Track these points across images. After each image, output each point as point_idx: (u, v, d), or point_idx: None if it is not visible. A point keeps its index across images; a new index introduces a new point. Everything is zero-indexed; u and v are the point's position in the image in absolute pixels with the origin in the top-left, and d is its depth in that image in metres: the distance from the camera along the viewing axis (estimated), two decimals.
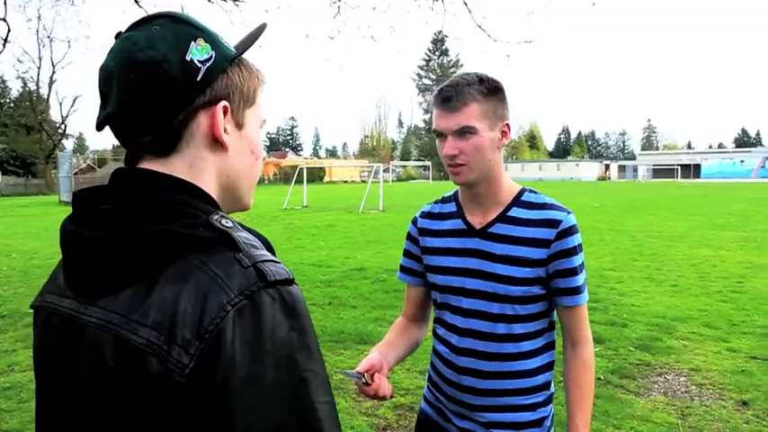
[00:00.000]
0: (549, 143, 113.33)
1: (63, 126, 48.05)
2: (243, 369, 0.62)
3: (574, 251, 1.47)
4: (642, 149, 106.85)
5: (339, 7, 7.33)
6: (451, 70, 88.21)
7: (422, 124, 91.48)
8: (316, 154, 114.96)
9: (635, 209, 20.83)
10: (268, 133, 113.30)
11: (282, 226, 16.01)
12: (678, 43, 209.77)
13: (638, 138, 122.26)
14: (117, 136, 0.78)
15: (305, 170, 26.04)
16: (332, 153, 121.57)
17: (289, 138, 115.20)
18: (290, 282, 0.69)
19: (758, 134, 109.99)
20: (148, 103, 0.73)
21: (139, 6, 7.13)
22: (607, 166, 77.92)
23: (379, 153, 79.59)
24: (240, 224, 0.75)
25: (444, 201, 1.65)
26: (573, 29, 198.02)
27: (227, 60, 0.78)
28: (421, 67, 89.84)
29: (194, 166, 0.77)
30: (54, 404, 0.77)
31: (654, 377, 4.52)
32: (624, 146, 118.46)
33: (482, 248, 1.51)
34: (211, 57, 0.75)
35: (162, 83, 0.72)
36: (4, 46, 8.73)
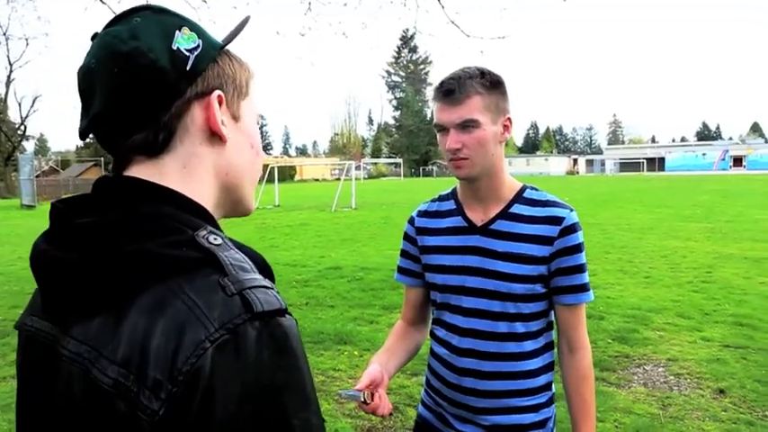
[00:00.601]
0: (518, 138, 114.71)
1: (23, 127, 46.62)
2: (220, 418, 0.54)
3: (578, 248, 1.45)
4: (609, 144, 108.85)
5: (310, 3, 7.23)
6: (421, 67, 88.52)
7: (392, 121, 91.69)
8: (286, 152, 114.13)
9: (604, 202, 21.19)
10: None
11: (255, 226, 15.80)
12: (642, 40, 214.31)
13: (604, 132, 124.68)
14: (103, 142, 0.70)
15: (276, 169, 25.80)
16: (302, 151, 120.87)
17: None
18: (282, 312, 0.60)
19: (718, 128, 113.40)
20: (136, 97, 0.66)
21: (102, 2, 6.90)
22: (575, 161, 79.20)
23: (350, 151, 79.46)
24: (232, 240, 0.67)
25: (442, 198, 1.61)
26: (542, 25, 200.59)
27: (216, 49, 0.72)
28: (390, 64, 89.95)
29: (189, 165, 0.70)
30: (33, 427, 0.70)
31: (633, 368, 4.56)
32: (591, 140, 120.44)
33: (483, 245, 1.47)
34: (199, 45, 0.69)
35: (149, 74, 0.65)
36: None
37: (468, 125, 1.38)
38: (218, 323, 0.56)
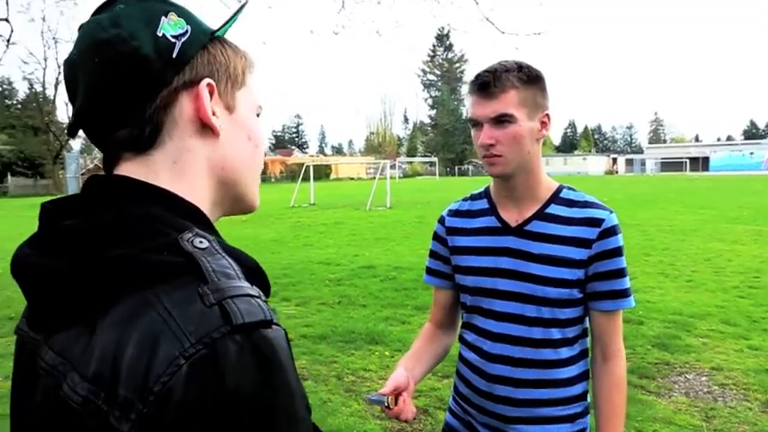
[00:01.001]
0: (556, 137, 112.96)
1: None
2: None
3: (618, 251, 1.38)
4: (650, 143, 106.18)
5: (344, 2, 7.21)
6: (456, 65, 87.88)
7: (427, 120, 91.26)
8: (321, 151, 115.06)
9: (644, 203, 20.61)
10: (273, 131, 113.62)
11: (290, 224, 15.93)
12: (685, 36, 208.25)
13: (645, 131, 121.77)
14: (92, 138, 0.66)
15: (311, 168, 25.98)
16: (338, 150, 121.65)
17: (294, 135, 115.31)
18: (268, 324, 0.54)
19: (767, 126, 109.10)
20: (119, 88, 0.62)
21: None
22: (614, 160, 77.47)
23: (385, 150, 79.48)
24: (221, 243, 0.61)
25: (474, 198, 1.55)
26: (580, 22, 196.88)
27: (206, 35, 0.67)
28: (426, 63, 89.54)
29: (179, 160, 0.65)
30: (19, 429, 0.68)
31: (674, 377, 4.39)
32: (631, 139, 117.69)
33: (517, 247, 1.41)
34: (187, 31, 0.65)
35: (132, 62, 0.61)
36: (7, 47, 8.69)
37: (502, 120, 1.32)
38: (194, 337, 0.50)
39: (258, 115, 0.75)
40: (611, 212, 1.40)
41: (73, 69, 0.64)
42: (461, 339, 1.56)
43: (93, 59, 0.62)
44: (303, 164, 31.82)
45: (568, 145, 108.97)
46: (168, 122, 0.64)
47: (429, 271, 1.63)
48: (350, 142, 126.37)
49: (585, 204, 1.40)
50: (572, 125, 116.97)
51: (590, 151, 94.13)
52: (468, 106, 1.39)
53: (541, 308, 1.39)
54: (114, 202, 0.61)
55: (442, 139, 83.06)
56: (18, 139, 46.27)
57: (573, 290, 1.38)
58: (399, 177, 58.24)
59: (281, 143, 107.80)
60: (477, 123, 1.37)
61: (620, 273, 1.38)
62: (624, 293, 1.40)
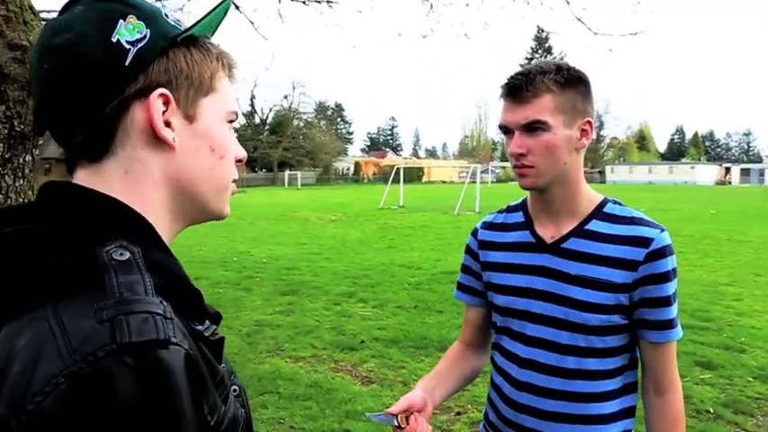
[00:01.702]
0: (662, 144, 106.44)
1: None
2: None
3: (667, 276, 1.22)
4: None
5: (432, 5, 7.14)
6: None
7: None
8: (415, 154, 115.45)
9: (759, 217, 18.84)
10: (368, 133, 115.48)
11: (377, 226, 16.08)
12: None
13: (765, 138, 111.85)
14: (55, 140, 0.65)
15: (401, 170, 26.09)
16: (431, 153, 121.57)
17: (389, 138, 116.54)
18: (163, 344, 0.50)
19: None
20: (68, 95, 0.60)
21: (237, 8, 7.31)
22: (727, 170, 71.64)
23: (479, 153, 78.45)
24: (147, 257, 0.57)
25: (510, 210, 1.44)
26: (687, 18, 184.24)
27: (167, 40, 0.63)
28: (522, 65, 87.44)
29: (131, 170, 0.63)
30: None
31: None
32: (749, 147, 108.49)
33: (553, 266, 1.28)
34: (145, 36, 0.61)
35: (81, 69, 0.59)
36: None
37: (534, 127, 1.20)
38: (78, 355, 0.47)
39: (232, 122, 0.71)
40: (663, 231, 1.24)
41: (30, 73, 0.64)
42: (492, 362, 1.45)
43: (43, 65, 0.61)
44: (393, 166, 32.05)
45: (675, 152, 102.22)
46: (120, 132, 0.62)
47: (460, 286, 1.53)
48: (444, 145, 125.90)
49: (632, 221, 1.25)
50: (680, 131, 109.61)
51: (699, 159, 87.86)
52: (500, 112, 1.28)
53: (576, 335, 1.25)
54: (57, 210, 0.60)
55: None
56: None
57: (613, 316, 1.24)
58: (492, 182, 57.29)
59: (375, 145, 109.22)
60: (508, 131, 1.26)
61: (667, 300, 1.23)
62: (670, 324, 1.24)
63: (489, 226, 1.45)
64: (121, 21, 0.61)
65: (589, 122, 1.25)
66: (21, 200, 2.22)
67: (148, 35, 0.62)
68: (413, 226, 15.87)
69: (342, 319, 6.20)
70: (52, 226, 0.57)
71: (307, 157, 60.92)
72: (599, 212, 1.29)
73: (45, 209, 0.61)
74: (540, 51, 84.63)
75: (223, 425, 0.57)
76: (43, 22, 2.26)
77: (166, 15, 0.66)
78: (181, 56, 0.65)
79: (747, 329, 5.80)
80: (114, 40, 0.60)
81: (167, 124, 0.63)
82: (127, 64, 0.60)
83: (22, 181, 2.22)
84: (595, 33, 5.91)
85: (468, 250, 1.49)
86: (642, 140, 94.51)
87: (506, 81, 1.25)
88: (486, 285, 1.43)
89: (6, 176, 2.17)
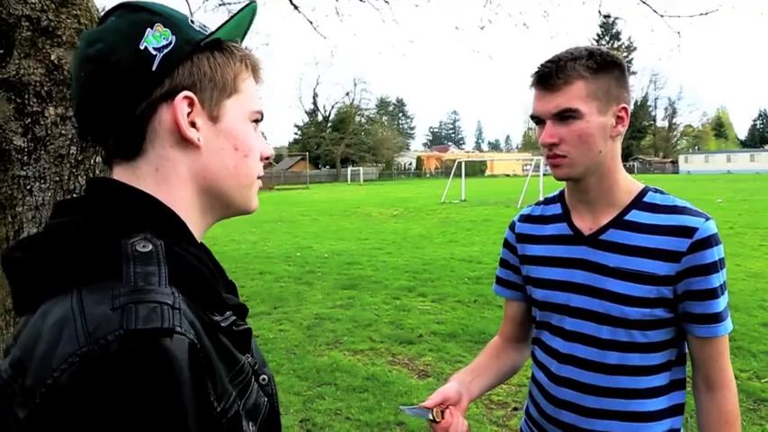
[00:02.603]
0: (742, 131, 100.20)
1: None
2: None
3: (713, 267, 1.17)
4: None
5: None
6: (624, 54, 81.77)
7: None
8: (478, 147, 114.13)
9: None
10: (430, 127, 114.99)
11: (438, 220, 16.04)
12: None
13: None
14: (94, 142, 0.74)
15: (463, 164, 25.87)
16: (494, 146, 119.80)
17: (451, 131, 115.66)
18: (167, 332, 0.54)
19: None
20: (102, 100, 0.66)
21: (299, 12, 7.48)
22: None
23: None
24: (170, 249, 0.63)
25: (548, 202, 1.41)
26: None
27: (191, 45, 0.68)
28: None
29: (161, 168, 0.68)
30: None
31: None
32: None
33: (591, 259, 1.26)
34: (170, 43, 0.66)
35: (112, 76, 0.65)
36: None
37: (566, 115, 1.17)
38: (92, 338, 0.53)
39: (257, 121, 0.75)
40: (708, 219, 1.19)
41: (72, 81, 0.71)
42: (532, 356, 1.43)
43: (80, 74, 0.67)
44: (455, 160, 31.78)
45: (758, 139, 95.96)
46: (150, 132, 0.68)
47: (499, 281, 1.51)
48: (507, 138, 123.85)
49: (674, 210, 1.21)
50: (763, 115, 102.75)
51: None
52: (531, 101, 1.25)
53: (617, 329, 1.22)
54: (97, 204, 0.66)
55: None
56: None
57: (656, 309, 1.19)
58: None
59: (438, 139, 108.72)
60: (540, 121, 1.23)
61: (714, 293, 1.17)
62: (717, 318, 1.18)
63: (527, 219, 1.43)
64: (149, 29, 0.67)
65: (625, 108, 1.22)
66: None
67: (173, 41, 0.67)
68: (474, 220, 15.72)
69: (400, 313, 6.25)
70: (88, 218, 0.64)
71: (369, 153, 61.42)
72: (639, 202, 1.25)
73: (88, 202, 0.68)
74: (606, 38, 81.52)
75: (230, 411, 0.62)
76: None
77: (192, 21, 0.71)
78: (204, 59, 0.69)
79: None
80: (142, 47, 0.66)
81: (192, 125, 0.68)
82: (153, 69, 0.66)
83: None
84: (661, 15, 5.65)
85: (507, 244, 1.48)
86: (719, 127, 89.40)
87: (536, 69, 1.22)
88: (524, 279, 1.41)
89: (80, 177, 2.34)
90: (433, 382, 4.25)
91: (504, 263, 1.50)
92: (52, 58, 2.18)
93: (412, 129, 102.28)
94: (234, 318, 0.68)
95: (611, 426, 1.24)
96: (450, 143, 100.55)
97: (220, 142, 0.71)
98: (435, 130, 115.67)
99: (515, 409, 3.84)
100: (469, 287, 7.44)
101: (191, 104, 0.68)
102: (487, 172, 61.23)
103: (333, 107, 64.41)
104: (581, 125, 1.18)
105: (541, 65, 1.21)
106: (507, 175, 58.16)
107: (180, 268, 0.62)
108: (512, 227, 1.47)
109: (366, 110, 66.14)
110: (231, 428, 0.62)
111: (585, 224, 1.29)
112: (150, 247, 0.62)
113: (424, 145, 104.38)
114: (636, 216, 1.24)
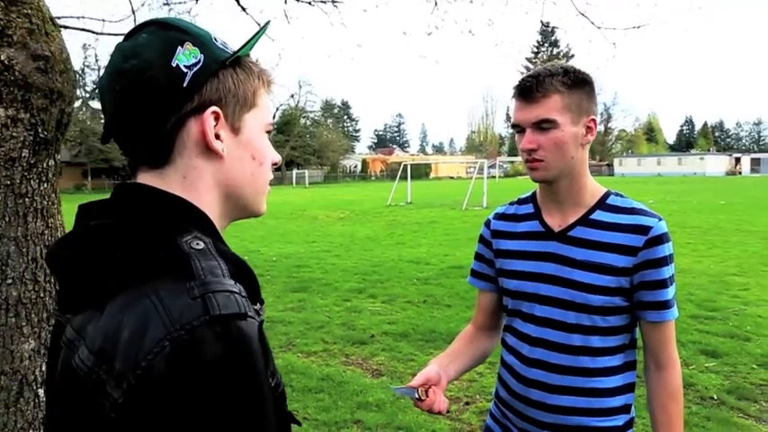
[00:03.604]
0: (670, 135, 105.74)
1: None
2: (174, 413, 0.58)
3: (664, 261, 1.34)
4: None
5: (436, 2, 7.20)
6: (562, 61, 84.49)
7: None
8: (422, 150, 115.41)
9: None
10: (375, 130, 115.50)
11: (385, 222, 16.19)
12: None
13: None
14: (120, 148, 0.77)
15: (409, 166, 26.16)
16: (438, 149, 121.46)
17: (396, 134, 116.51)
18: (242, 316, 0.63)
19: None
20: (135, 113, 0.71)
21: (246, 12, 7.42)
22: (737, 160, 71.03)
23: (486, 149, 78.31)
24: (216, 246, 0.70)
25: (521, 202, 1.56)
26: (693, 9, 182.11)
27: (218, 63, 0.74)
28: (529, 60, 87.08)
29: (188, 176, 0.74)
30: (47, 397, 0.81)
31: None
32: (759, 137, 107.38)
33: (560, 253, 1.41)
34: (199, 61, 0.72)
35: (147, 91, 0.70)
36: None
37: (544, 126, 1.33)
38: (178, 324, 0.60)
39: (269, 132, 0.82)
40: (660, 220, 1.36)
41: (102, 91, 0.75)
42: (503, 343, 1.57)
43: (115, 87, 0.72)
44: (401, 163, 32.10)
45: (684, 143, 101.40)
46: (178, 143, 0.73)
47: (473, 273, 1.65)
48: (451, 141, 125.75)
49: (632, 211, 1.37)
50: (689, 122, 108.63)
51: (709, 150, 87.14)
52: (512, 111, 1.40)
53: (581, 315, 1.37)
54: (128, 206, 0.72)
55: None
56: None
57: (615, 298, 1.35)
58: (500, 177, 57.22)
59: (382, 142, 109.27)
60: (520, 129, 1.37)
61: (664, 283, 1.34)
62: (666, 304, 1.35)
63: (501, 216, 1.57)
64: (179, 47, 0.71)
65: (593, 120, 1.37)
66: (45, 203, 2.34)
67: (202, 60, 0.72)
68: (421, 222, 15.97)
69: (352, 315, 6.32)
70: (136, 219, 0.69)
71: (314, 156, 61.19)
72: (602, 203, 1.41)
73: (124, 205, 0.72)
74: (545, 45, 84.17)
75: (280, 387, 0.71)
76: (62, 32, 2.37)
77: (215, 39, 0.77)
78: (229, 76, 0.75)
79: (754, 318, 5.86)
80: (174, 65, 0.70)
81: (217, 137, 0.74)
82: (185, 86, 0.71)
83: (45, 185, 2.33)
84: (598, 27, 5.95)
85: (482, 239, 1.61)
86: (650, 132, 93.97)
87: (518, 83, 1.37)
88: (498, 272, 1.54)
89: (32, 180, 2.28)
90: (386, 381, 4.34)
91: (478, 257, 1.63)
92: (2, 58, 2.13)
93: (357, 131, 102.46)
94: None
95: (575, 401, 1.38)
96: (394, 146, 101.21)
97: (240, 152, 0.77)
98: (380, 132, 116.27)
99: (467, 403, 3.98)
100: (418, 288, 7.58)
101: (216, 118, 0.73)
102: (432, 174, 62.15)
103: (277, 109, 63.75)
104: (557, 134, 1.33)
105: (523, 79, 1.36)
106: (452, 178, 59.19)
107: (230, 263, 0.69)
108: (487, 224, 1.60)
109: (311, 112, 65.87)
110: (281, 401, 0.70)
111: (555, 222, 1.44)
112: (203, 244, 0.68)
113: (369, 148, 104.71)
114: (600, 215, 1.39)
